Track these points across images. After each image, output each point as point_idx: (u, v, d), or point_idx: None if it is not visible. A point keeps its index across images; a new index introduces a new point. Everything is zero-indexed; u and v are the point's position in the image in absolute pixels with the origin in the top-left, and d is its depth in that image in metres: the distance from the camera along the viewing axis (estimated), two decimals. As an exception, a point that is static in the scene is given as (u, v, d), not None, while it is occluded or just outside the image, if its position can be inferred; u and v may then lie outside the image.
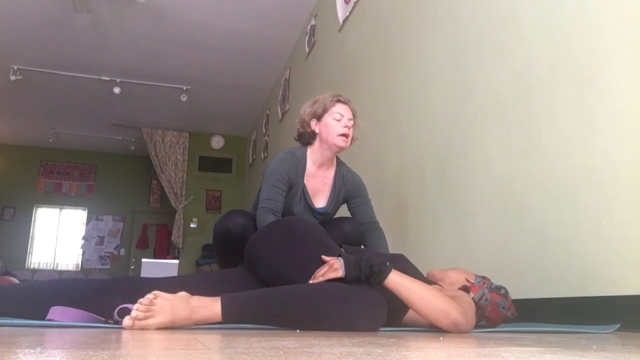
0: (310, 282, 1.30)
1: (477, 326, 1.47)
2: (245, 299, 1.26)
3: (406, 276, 1.30)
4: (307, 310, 1.23)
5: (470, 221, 2.16)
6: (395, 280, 1.28)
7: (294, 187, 2.10)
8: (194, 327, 1.18)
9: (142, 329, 1.10)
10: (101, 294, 1.39)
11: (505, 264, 1.90)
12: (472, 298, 1.47)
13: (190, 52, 5.78)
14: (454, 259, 2.19)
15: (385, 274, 1.27)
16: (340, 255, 1.33)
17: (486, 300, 1.47)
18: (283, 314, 1.24)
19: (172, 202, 8.07)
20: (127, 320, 1.10)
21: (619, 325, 1.38)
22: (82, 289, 1.43)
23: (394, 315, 1.41)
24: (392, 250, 2.26)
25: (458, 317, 1.25)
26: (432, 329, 1.33)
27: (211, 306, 1.20)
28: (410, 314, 1.47)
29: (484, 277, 1.55)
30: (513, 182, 1.91)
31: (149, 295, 1.15)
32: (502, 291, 1.51)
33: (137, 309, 1.12)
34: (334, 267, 1.28)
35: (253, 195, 2.37)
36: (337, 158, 2.23)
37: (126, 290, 1.37)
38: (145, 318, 1.11)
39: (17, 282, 3.09)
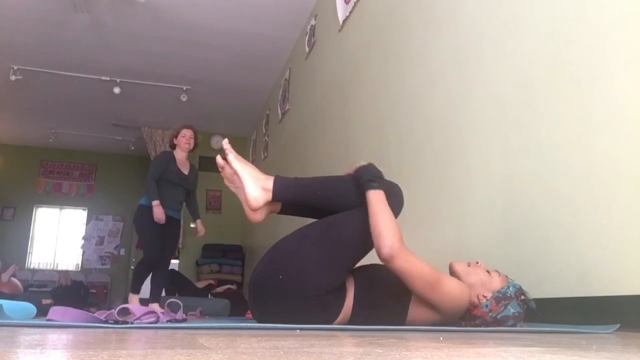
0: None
1: (475, 325, 1.47)
2: (294, 179, 1.54)
3: (385, 203, 1.46)
4: (348, 192, 1.51)
5: (470, 221, 2.16)
6: (377, 196, 1.46)
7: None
8: (195, 326, 1.18)
9: (235, 160, 1.46)
10: None
11: (505, 264, 1.90)
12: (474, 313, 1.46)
13: (190, 52, 5.78)
14: (453, 259, 2.19)
15: (373, 187, 1.48)
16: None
17: (483, 322, 1.47)
18: (326, 194, 1.52)
19: (172, 202, 8.05)
20: (226, 144, 1.48)
21: (619, 325, 1.38)
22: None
23: (394, 314, 1.41)
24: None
25: (395, 244, 1.35)
26: (432, 328, 1.33)
27: (267, 179, 1.48)
28: (411, 314, 1.47)
29: (497, 303, 1.45)
30: (513, 182, 1.91)
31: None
32: (510, 323, 1.45)
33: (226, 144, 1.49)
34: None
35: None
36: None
37: None
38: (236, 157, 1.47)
39: (20, 286, 3.09)
